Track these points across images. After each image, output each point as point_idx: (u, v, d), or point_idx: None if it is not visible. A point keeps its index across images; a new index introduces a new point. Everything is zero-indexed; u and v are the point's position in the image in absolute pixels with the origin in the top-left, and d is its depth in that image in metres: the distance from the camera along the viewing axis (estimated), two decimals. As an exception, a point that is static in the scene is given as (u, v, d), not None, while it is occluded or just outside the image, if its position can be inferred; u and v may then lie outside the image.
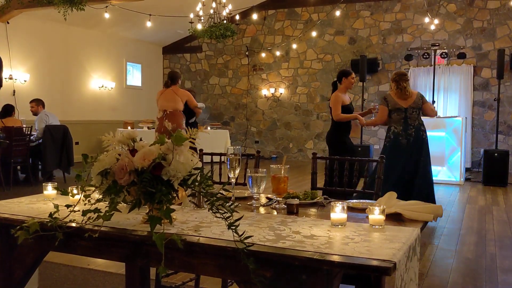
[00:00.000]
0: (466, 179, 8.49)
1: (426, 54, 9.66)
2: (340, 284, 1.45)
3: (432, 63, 9.55)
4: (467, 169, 9.25)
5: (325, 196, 2.23)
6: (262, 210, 1.94)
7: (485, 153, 8.19)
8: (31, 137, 7.35)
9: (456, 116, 8.51)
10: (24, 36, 9.72)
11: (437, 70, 9.71)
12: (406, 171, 5.05)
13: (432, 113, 5.40)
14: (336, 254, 1.31)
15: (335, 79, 5.56)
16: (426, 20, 9.65)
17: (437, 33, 10.48)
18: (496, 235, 4.64)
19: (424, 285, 3.20)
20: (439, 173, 8.04)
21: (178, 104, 6.27)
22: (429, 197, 5.10)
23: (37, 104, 7.81)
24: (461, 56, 9.81)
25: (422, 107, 5.19)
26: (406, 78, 5.15)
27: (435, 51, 9.33)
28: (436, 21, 9.72)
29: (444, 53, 9.57)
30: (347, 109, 5.38)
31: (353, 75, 5.47)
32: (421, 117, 5.23)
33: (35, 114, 7.80)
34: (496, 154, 8.00)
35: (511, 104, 9.99)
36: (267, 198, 2.15)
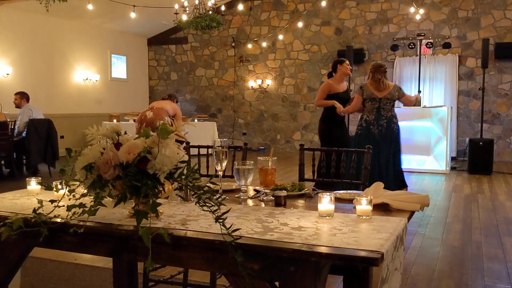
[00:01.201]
0: (452, 168, 8.58)
1: (411, 44, 9.69)
2: (328, 275, 1.45)
3: (418, 53, 9.60)
4: (452, 158, 9.35)
5: (313, 187, 2.23)
6: (249, 202, 1.94)
7: (470, 142, 8.28)
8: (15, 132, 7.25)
9: (442, 106, 8.57)
10: (6, 28, 9.54)
11: (423, 60, 9.76)
12: (380, 162, 5.14)
13: (411, 103, 5.59)
14: (324, 246, 1.31)
15: (331, 70, 5.64)
16: (412, 10, 9.68)
17: (423, 23, 10.52)
18: (481, 223, 4.70)
19: (411, 274, 3.24)
20: (425, 162, 8.11)
21: (167, 107, 6.27)
22: (403, 184, 5.31)
23: (21, 97, 7.69)
24: (446, 45, 9.88)
25: (400, 100, 5.35)
26: (382, 70, 5.24)
27: (420, 41, 9.38)
28: (421, 11, 9.77)
29: (429, 43, 9.61)
30: (338, 97, 5.45)
31: (347, 62, 5.57)
32: (398, 108, 5.36)
33: (18, 107, 7.67)
34: (481, 143, 8.09)
35: (496, 93, 10.10)
36: (254, 190, 2.14)
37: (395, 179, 5.23)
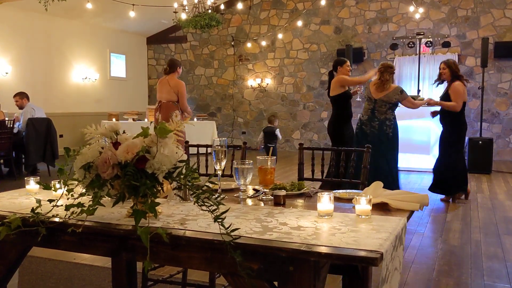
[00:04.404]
0: (451, 167, 8.57)
1: (411, 43, 9.69)
2: (327, 274, 1.45)
3: (417, 52, 9.59)
4: (452, 157, 9.32)
5: (313, 186, 2.23)
6: (249, 202, 1.93)
7: (470, 141, 8.28)
8: (17, 125, 7.25)
9: (441, 105, 8.55)
10: (4, 28, 9.52)
11: (422, 59, 9.75)
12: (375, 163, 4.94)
13: (414, 106, 5.52)
14: (323, 245, 1.30)
15: (331, 69, 5.61)
16: (411, 9, 9.67)
17: (422, 22, 10.51)
18: (480, 222, 4.70)
19: (411, 273, 3.24)
20: (424, 161, 8.10)
21: (170, 95, 5.96)
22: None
23: (21, 97, 7.67)
24: (446, 44, 9.87)
25: (402, 103, 5.26)
26: (392, 71, 5.17)
27: (420, 40, 9.37)
28: (420, 10, 9.76)
29: (429, 42, 9.61)
30: (346, 95, 5.44)
31: (348, 63, 5.54)
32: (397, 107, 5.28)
33: (20, 107, 7.66)
34: (480, 142, 8.09)
35: (495, 92, 10.10)
36: (254, 189, 2.13)
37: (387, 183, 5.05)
